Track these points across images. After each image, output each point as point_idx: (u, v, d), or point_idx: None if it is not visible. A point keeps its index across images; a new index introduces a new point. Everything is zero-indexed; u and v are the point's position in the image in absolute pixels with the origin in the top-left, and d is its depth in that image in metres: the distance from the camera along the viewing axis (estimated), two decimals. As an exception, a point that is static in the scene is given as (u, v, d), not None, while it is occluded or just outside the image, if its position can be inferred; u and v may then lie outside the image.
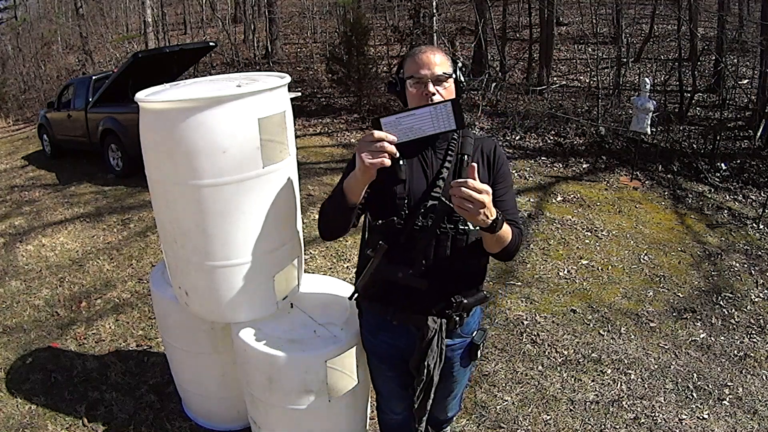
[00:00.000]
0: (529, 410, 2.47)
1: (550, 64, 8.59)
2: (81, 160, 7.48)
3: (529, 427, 2.38)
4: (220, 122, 1.55)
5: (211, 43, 7.36)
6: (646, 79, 5.56)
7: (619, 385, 2.65)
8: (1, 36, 19.55)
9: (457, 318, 1.50)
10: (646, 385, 2.64)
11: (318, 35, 13.95)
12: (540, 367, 2.77)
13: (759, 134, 6.05)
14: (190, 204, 1.65)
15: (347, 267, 3.84)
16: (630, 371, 2.74)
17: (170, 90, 1.79)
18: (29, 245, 4.61)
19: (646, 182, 5.43)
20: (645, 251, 4.05)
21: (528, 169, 5.89)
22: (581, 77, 9.29)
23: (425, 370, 1.49)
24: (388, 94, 1.59)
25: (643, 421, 2.41)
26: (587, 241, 4.23)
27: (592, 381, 2.67)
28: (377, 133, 1.24)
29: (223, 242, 1.68)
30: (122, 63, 7.50)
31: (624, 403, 2.52)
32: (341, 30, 10.38)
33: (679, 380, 2.68)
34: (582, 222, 4.55)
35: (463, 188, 1.19)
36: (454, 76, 1.44)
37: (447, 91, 1.42)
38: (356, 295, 1.59)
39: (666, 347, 2.95)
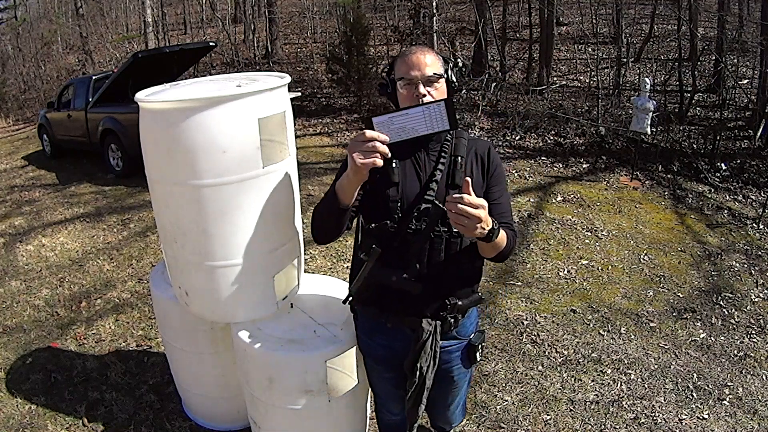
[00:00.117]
0: (529, 410, 2.47)
1: (550, 64, 8.59)
2: (81, 160, 7.48)
3: (529, 427, 2.38)
4: (220, 122, 1.55)
5: (211, 43, 7.36)
6: (646, 79, 5.57)
7: (619, 385, 2.65)
8: (1, 36, 19.56)
9: (452, 320, 1.49)
10: (646, 385, 2.64)
11: (318, 35, 13.96)
12: (540, 367, 2.77)
13: (759, 134, 6.05)
14: (190, 204, 1.65)
15: (347, 267, 3.84)
16: (630, 371, 2.74)
17: (170, 90, 1.79)
18: (29, 245, 4.61)
19: (646, 182, 5.43)
20: (645, 251, 4.05)
21: (528, 169, 5.89)
22: (581, 77, 9.29)
23: (417, 372, 1.48)
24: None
25: (643, 421, 2.41)
26: (587, 241, 4.23)
27: (592, 381, 2.67)
28: (369, 133, 1.23)
29: (223, 242, 1.68)
30: (122, 63, 7.50)
31: (624, 403, 2.52)
32: (341, 30, 10.38)
33: (679, 380, 2.68)
34: (582, 222, 4.55)
35: (459, 205, 1.19)
36: (445, 76, 1.43)
37: (438, 91, 1.41)
38: (350, 299, 1.57)
39: (666, 347, 2.95)
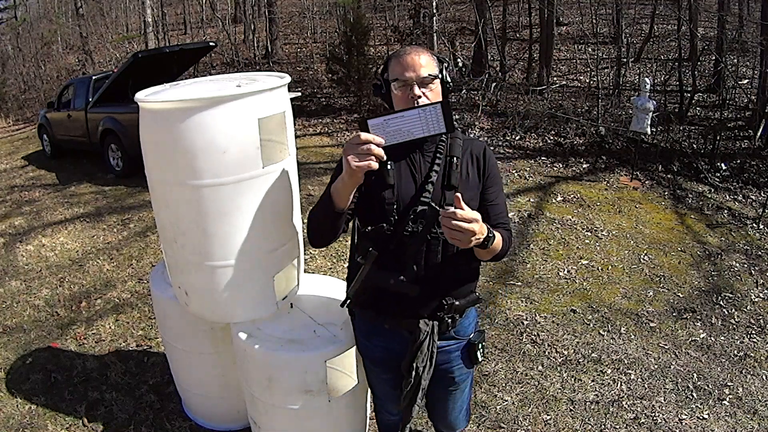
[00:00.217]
0: (529, 410, 2.47)
1: (550, 64, 8.59)
2: (81, 160, 7.48)
3: (529, 427, 2.38)
4: (219, 122, 1.55)
5: (211, 43, 7.36)
6: (646, 79, 5.57)
7: (619, 385, 2.64)
8: (1, 36, 19.56)
9: (449, 320, 1.48)
10: (646, 385, 2.64)
11: (318, 35, 13.96)
12: (540, 367, 2.77)
13: (759, 134, 6.05)
14: (190, 204, 1.65)
15: (347, 267, 3.83)
16: (630, 371, 2.74)
17: (170, 90, 1.79)
18: (29, 245, 4.61)
19: (646, 182, 5.43)
20: (645, 251, 4.05)
21: (528, 169, 5.89)
22: (581, 77, 9.29)
23: (414, 372, 1.47)
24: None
25: (643, 421, 2.41)
26: (587, 241, 4.23)
27: (592, 381, 2.67)
28: (364, 135, 1.22)
29: (222, 242, 1.68)
30: (122, 63, 7.50)
31: (624, 403, 2.52)
32: (341, 30, 10.39)
33: (679, 380, 2.68)
34: (582, 222, 4.55)
35: (453, 221, 1.19)
36: (440, 76, 1.41)
37: (434, 92, 1.39)
38: (348, 302, 1.56)
39: (666, 347, 2.95)
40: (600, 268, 3.82)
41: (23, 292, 3.78)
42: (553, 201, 5.03)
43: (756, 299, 3.43)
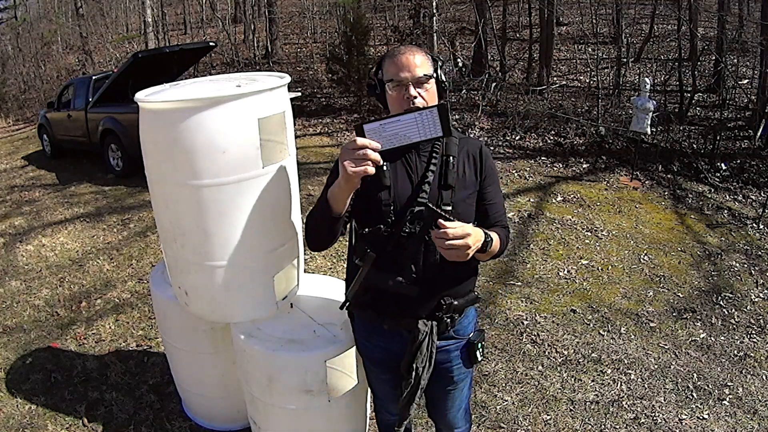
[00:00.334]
0: (529, 410, 2.47)
1: (550, 64, 8.59)
2: (81, 160, 7.48)
3: (529, 427, 2.38)
4: (219, 122, 1.55)
5: (211, 43, 7.36)
6: (646, 79, 5.57)
7: (619, 385, 2.64)
8: (1, 36, 19.56)
9: (448, 320, 1.48)
10: (646, 385, 2.64)
11: (318, 35, 13.96)
12: (540, 367, 2.77)
13: (759, 134, 6.05)
14: (190, 204, 1.65)
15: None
16: (630, 371, 2.74)
17: (170, 90, 1.79)
18: (29, 245, 4.61)
19: (646, 182, 5.43)
20: (645, 251, 4.05)
21: (528, 169, 5.89)
22: (581, 77, 9.29)
23: (413, 373, 1.47)
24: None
25: (643, 421, 2.41)
26: (587, 241, 4.23)
27: (592, 381, 2.67)
28: (360, 140, 1.22)
29: (223, 242, 1.68)
30: (122, 63, 7.50)
31: (624, 403, 2.52)
32: (341, 30, 10.39)
33: (679, 380, 2.68)
34: (582, 222, 4.55)
35: (446, 242, 1.22)
36: (435, 76, 1.40)
37: (429, 93, 1.39)
38: (347, 304, 1.55)
39: (666, 347, 2.95)
40: (600, 268, 3.82)
41: (23, 292, 3.78)
42: (553, 201, 5.03)
43: (756, 299, 3.42)
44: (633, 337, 3.03)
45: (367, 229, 1.41)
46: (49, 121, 7.76)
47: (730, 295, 3.46)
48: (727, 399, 2.56)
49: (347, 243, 1.57)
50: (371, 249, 1.39)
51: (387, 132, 1.24)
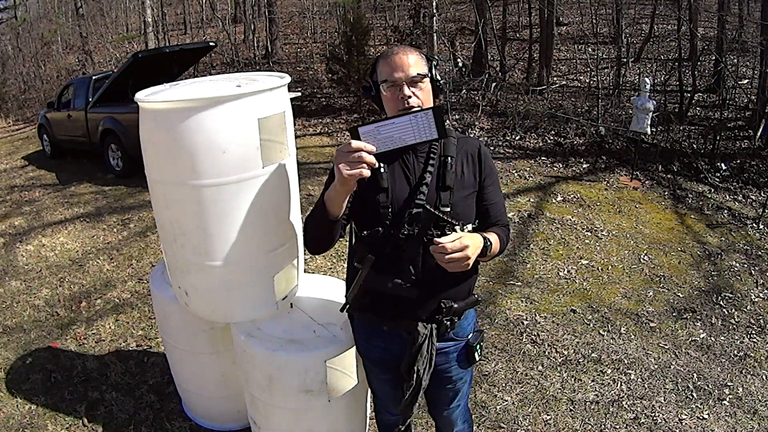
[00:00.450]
0: (529, 410, 2.47)
1: (550, 64, 8.59)
2: (81, 160, 7.48)
3: (529, 427, 2.38)
4: (219, 122, 1.55)
5: (211, 43, 7.36)
6: (646, 79, 5.56)
7: (619, 385, 2.64)
8: (1, 36, 19.57)
9: (448, 322, 1.48)
10: (646, 385, 2.64)
11: (318, 35, 13.96)
12: (540, 367, 2.77)
13: (759, 134, 6.05)
14: (190, 204, 1.65)
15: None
16: (630, 371, 2.74)
17: (170, 90, 1.79)
18: (29, 245, 4.61)
19: (646, 182, 5.43)
20: (645, 251, 4.05)
21: (528, 169, 5.89)
22: (581, 77, 9.29)
23: (414, 375, 1.47)
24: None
25: (643, 421, 2.41)
26: (587, 241, 4.23)
27: (592, 381, 2.67)
28: (355, 143, 1.21)
29: (223, 242, 1.68)
30: (122, 63, 7.50)
31: (624, 403, 2.52)
32: (341, 30, 10.39)
33: (679, 380, 2.68)
34: (582, 222, 4.55)
35: (445, 256, 1.24)
36: (429, 75, 1.40)
37: (424, 92, 1.38)
38: (347, 306, 1.55)
39: (666, 347, 2.95)
40: (600, 268, 3.82)
41: (23, 292, 3.78)
42: (553, 201, 5.03)
43: (756, 299, 3.42)
44: (633, 337, 3.03)
45: (365, 232, 1.40)
46: (49, 121, 7.76)
47: (730, 295, 3.46)
48: (727, 399, 2.56)
49: (347, 244, 1.57)
50: (370, 251, 1.38)
51: (382, 134, 1.24)
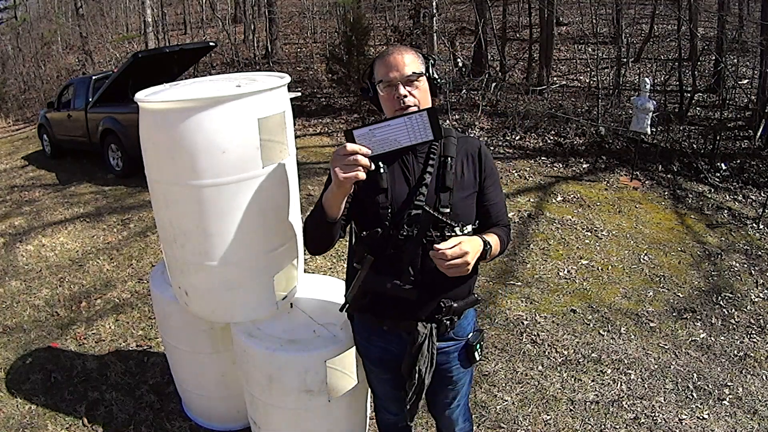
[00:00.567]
0: (529, 410, 2.47)
1: (550, 64, 8.59)
2: (81, 160, 7.48)
3: (529, 427, 2.38)
4: (219, 122, 1.55)
5: (211, 43, 7.36)
6: (646, 79, 5.56)
7: (619, 385, 2.64)
8: (1, 36, 19.56)
9: (448, 322, 1.48)
10: (646, 385, 2.64)
11: (318, 35, 13.96)
12: (540, 367, 2.77)
13: (759, 134, 6.05)
14: (190, 204, 1.65)
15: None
16: (630, 371, 2.74)
17: (170, 90, 1.79)
18: (29, 245, 4.61)
19: (646, 182, 5.43)
20: (645, 251, 4.05)
21: (528, 169, 5.89)
22: (581, 77, 9.29)
23: (416, 375, 1.47)
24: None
25: (643, 421, 2.41)
26: (587, 241, 4.23)
27: (592, 381, 2.67)
28: (350, 146, 1.22)
29: (223, 242, 1.68)
30: (122, 63, 7.50)
31: (624, 403, 2.52)
32: (341, 30, 10.39)
33: (679, 380, 2.68)
34: (582, 222, 4.55)
35: (445, 262, 1.25)
36: (426, 74, 1.39)
37: (420, 91, 1.38)
38: (347, 306, 1.55)
39: (666, 347, 2.95)
40: (600, 268, 3.82)
41: (23, 292, 3.78)
42: (553, 201, 5.03)
43: (756, 299, 3.42)
44: (633, 337, 3.03)
45: (365, 232, 1.41)
46: (49, 121, 7.76)
47: (730, 295, 3.46)
48: (727, 399, 2.56)
49: (347, 244, 1.57)
50: (369, 252, 1.38)
51: (377, 137, 1.24)
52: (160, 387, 2.65)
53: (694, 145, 6.05)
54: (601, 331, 3.08)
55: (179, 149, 1.58)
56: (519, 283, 3.60)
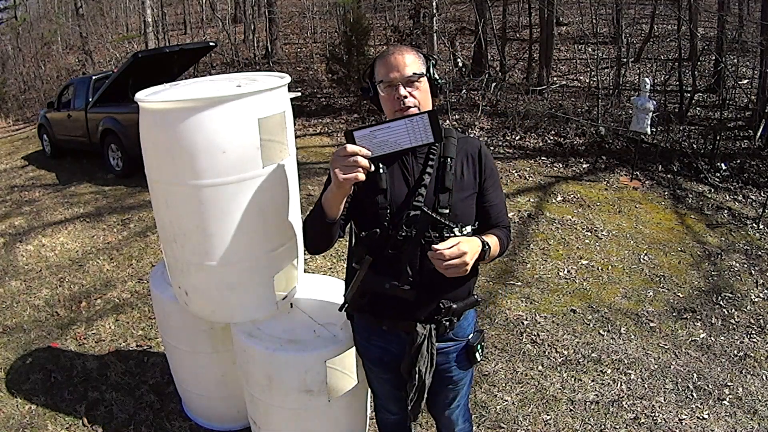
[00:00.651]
0: (529, 410, 2.47)
1: (550, 64, 8.59)
2: (81, 160, 7.48)
3: (529, 427, 2.38)
4: (219, 122, 1.55)
5: (211, 43, 7.36)
6: (646, 79, 5.57)
7: (619, 385, 2.64)
8: (1, 36, 19.56)
9: (447, 323, 1.47)
10: (646, 385, 2.64)
11: (318, 35, 13.96)
12: (540, 367, 2.77)
13: (759, 134, 6.05)
14: (190, 204, 1.65)
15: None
16: (630, 371, 2.74)
17: (170, 90, 1.79)
18: (29, 245, 4.61)
19: (646, 182, 5.43)
20: (645, 251, 4.05)
21: (528, 169, 5.89)
22: (581, 77, 9.29)
23: (417, 375, 1.47)
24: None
25: (643, 421, 2.41)
26: (587, 241, 4.23)
27: (592, 381, 2.67)
28: (350, 147, 1.22)
29: (223, 242, 1.68)
30: (122, 63, 7.50)
31: (624, 403, 2.52)
32: (341, 30, 10.39)
33: (679, 380, 2.68)
34: (582, 222, 4.55)
35: (444, 263, 1.25)
36: (426, 75, 1.39)
37: (421, 91, 1.38)
38: (346, 306, 1.55)
39: (666, 347, 2.95)
40: (600, 268, 3.82)
41: (23, 292, 3.78)
42: (553, 201, 5.03)
43: (756, 299, 3.42)
44: (633, 337, 3.03)
45: (364, 233, 1.41)
46: (49, 121, 7.76)
47: (730, 295, 3.46)
48: (727, 399, 2.56)
49: (347, 244, 1.57)
50: (368, 252, 1.38)
51: (377, 138, 1.24)
52: (160, 387, 2.65)
53: (694, 145, 6.05)
54: (601, 331, 3.08)
55: (179, 149, 1.58)
56: (519, 283, 3.60)
